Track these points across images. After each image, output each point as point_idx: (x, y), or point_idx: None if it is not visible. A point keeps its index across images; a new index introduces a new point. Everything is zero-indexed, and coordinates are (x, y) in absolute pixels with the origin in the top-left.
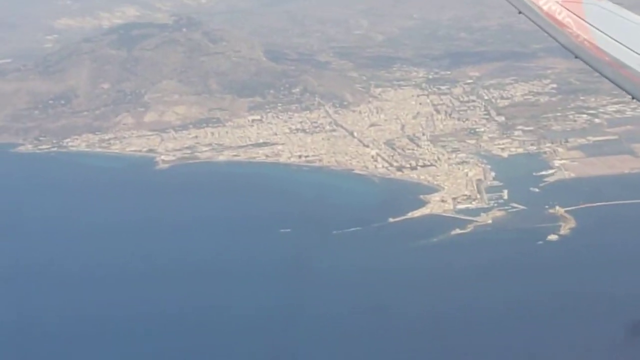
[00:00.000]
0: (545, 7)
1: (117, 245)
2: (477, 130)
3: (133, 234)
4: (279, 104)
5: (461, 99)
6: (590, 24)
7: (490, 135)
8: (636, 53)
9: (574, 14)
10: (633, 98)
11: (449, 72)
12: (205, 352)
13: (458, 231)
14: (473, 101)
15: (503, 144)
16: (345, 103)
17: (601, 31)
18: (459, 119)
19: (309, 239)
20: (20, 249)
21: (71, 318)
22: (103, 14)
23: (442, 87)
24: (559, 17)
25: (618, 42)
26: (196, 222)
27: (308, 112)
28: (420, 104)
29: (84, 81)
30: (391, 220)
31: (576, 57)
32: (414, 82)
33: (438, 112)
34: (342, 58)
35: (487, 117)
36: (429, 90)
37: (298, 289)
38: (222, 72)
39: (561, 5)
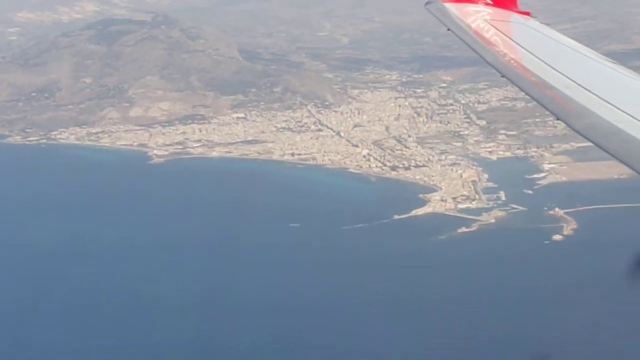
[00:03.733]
0: (473, 25)
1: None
2: (461, 133)
3: (171, 221)
4: (262, 103)
5: (439, 103)
6: (517, 43)
7: (475, 139)
8: (561, 74)
9: (502, 33)
10: (557, 119)
11: (421, 76)
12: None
13: (464, 229)
14: (451, 105)
15: (490, 147)
16: (326, 103)
17: (528, 51)
18: (440, 122)
19: (320, 234)
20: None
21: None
22: (62, 8)
23: (418, 90)
24: (487, 35)
25: (544, 62)
26: (208, 213)
27: (291, 111)
28: (399, 106)
29: (66, 75)
30: (396, 217)
31: (502, 76)
32: (388, 85)
33: (419, 114)
34: (314, 59)
35: (468, 120)
36: (405, 93)
37: (327, 280)
38: (203, 69)
39: (489, 24)
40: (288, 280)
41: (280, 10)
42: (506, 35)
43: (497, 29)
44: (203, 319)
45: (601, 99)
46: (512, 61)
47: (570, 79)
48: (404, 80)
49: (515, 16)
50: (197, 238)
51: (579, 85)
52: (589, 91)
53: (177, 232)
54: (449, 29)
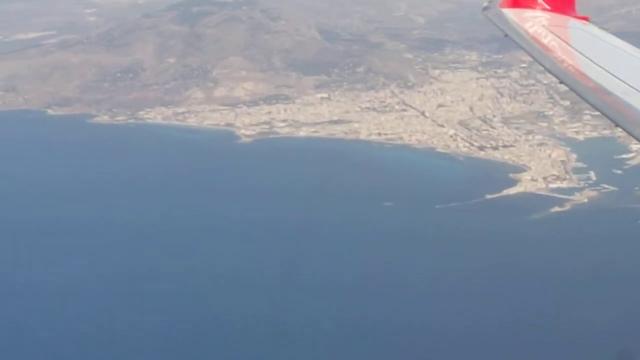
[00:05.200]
0: (531, 31)
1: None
2: (546, 113)
3: (269, 200)
4: (345, 83)
5: (520, 83)
6: (575, 49)
7: (560, 119)
8: (620, 80)
9: (560, 39)
10: (617, 126)
11: (500, 56)
12: None
13: (558, 209)
14: (533, 85)
15: (576, 127)
16: (409, 83)
17: (586, 56)
18: (524, 102)
19: (415, 213)
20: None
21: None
22: None
23: (498, 71)
24: (545, 41)
25: (603, 68)
26: (304, 192)
27: (374, 91)
28: (481, 86)
29: (150, 55)
30: (488, 196)
31: (561, 82)
32: (469, 65)
33: (501, 95)
34: (393, 39)
35: (551, 101)
36: (486, 73)
37: (437, 257)
38: (285, 50)
39: (547, 29)
40: (398, 258)
41: None
42: (564, 41)
43: (555, 35)
44: (311, 298)
45: None
46: (570, 67)
47: (629, 85)
48: (484, 60)
49: (573, 21)
50: (296, 217)
51: (637, 91)
52: None
53: (277, 211)
54: (506, 35)
